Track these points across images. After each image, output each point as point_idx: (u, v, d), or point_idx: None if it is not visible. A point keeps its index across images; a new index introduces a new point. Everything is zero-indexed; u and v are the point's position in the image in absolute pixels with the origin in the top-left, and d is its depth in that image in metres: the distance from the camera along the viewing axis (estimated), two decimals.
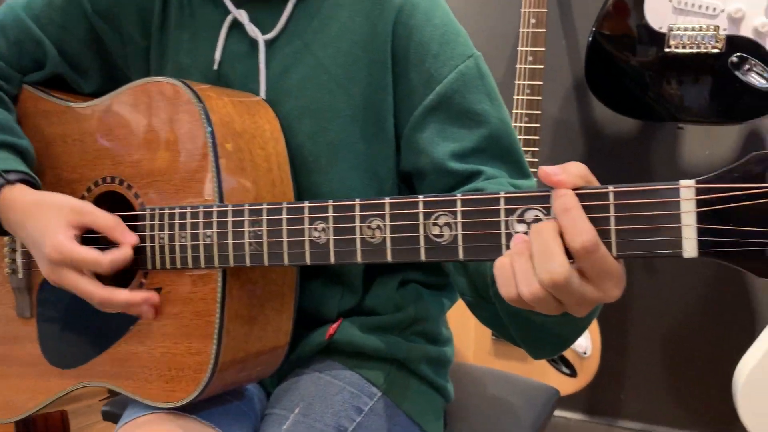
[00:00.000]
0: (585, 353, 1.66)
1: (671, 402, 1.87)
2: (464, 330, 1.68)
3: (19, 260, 0.91)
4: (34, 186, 0.82)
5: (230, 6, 0.87)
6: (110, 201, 0.86)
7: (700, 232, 0.48)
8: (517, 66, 1.65)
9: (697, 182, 0.48)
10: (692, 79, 1.58)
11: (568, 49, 1.89)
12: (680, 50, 1.56)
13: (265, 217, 0.69)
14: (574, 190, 0.52)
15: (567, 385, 1.68)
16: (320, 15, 0.85)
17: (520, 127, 1.65)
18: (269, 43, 0.86)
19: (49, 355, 0.89)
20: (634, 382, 1.90)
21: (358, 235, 0.63)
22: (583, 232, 0.49)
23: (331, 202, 0.65)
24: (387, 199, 0.61)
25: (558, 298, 0.52)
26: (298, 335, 0.90)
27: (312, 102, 0.84)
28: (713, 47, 1.54)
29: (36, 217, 0.77)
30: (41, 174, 0.89)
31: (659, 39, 1.59)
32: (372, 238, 0.62)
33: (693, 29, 1.56)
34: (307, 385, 0.86)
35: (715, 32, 1.54)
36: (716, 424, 1.83)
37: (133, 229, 0.79)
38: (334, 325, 0.89)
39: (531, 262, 0.52)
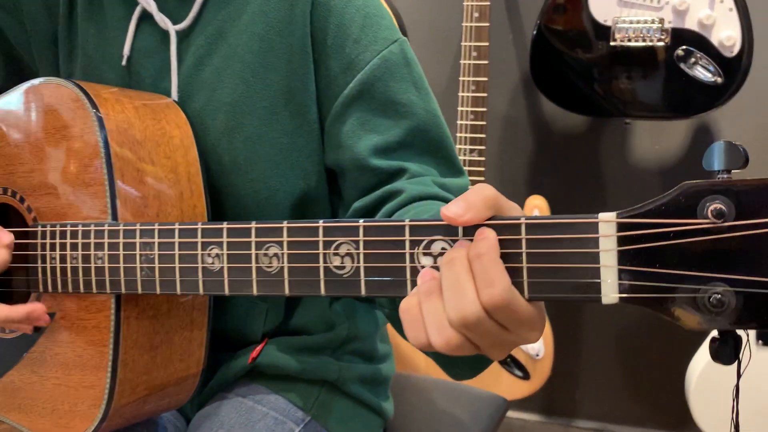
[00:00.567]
0: (537, 355, 1.61)
1: (626, 400, 1.85)
2: None
3: None
4: None
5: None
6: (2, 214, 0.78)
7: (622, 275, 0.41)
8: (462, 62, 1.59)
9: (619, 216, 0.41)
10: (639, 73, 1.54)
11: (515, 43, 1.85)
12: (626, 44, 1.53)
13: (156, 239, 0.62)
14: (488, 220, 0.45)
15: (521, 388, 1.63)
16: (234, 0, 0.77)
17: (466, 125, 1.59)
18: (182, 35, 0.78)
19: None
20: (588, 381, 1.88)
21: (253, 264, 0.56)
22: (492, 283, 0.43)
23: (225, 224, 0.58)
24: (285, 223, 0.54)
25: (473, 341, 0.45)
26: (220, 358, 0.83)
27: (226, 95, 0.76)
28: (659, 40, 1.51)
29: None
30: None
31: (605, 32, 1.55)
32: (269, 267, 0.55)
33: (638, 22, 1.53)
34: (228, 411, 0.79)
35: (660, 25, 1.50)
36: (670, 421, 1.81)
37: (25, 247, 0.71)
38: (258, 348, 0.82)
39: (441, 302, 0.45)
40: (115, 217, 0.66)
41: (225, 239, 0.57)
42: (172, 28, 0.77)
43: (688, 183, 0.40)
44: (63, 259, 0.68)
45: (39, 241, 0.71)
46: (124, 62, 0.79)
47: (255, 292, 0.56)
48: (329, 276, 0.52)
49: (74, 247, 0.68)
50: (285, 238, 0.54)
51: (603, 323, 1.89)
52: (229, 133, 0.76)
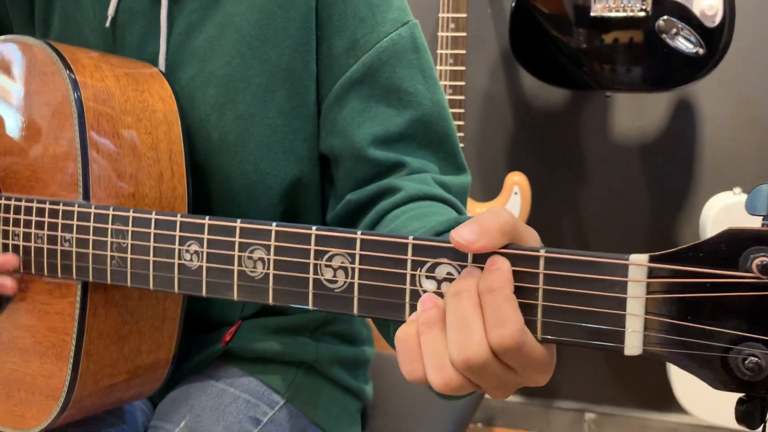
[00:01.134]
0: None
1: (607, 381, 1.85)
2: None
3: None
4: None
5: None
6: None
7: (648, 325, 0.37)
8: (439, 34, 1.54)
9: (651, 260, 0.37)
10: (619, 44, 1.51)
11: (494, 16, 1.80)
12: (606, 14, 1.49)
13: (130, 227, 0.56)
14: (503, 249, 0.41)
15: None
16: None
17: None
18: None
19: None
20: (569, 362, 1.87)
21: (236, 266, 0.51)
22: (503, 323, 0.38)
23: (207, 219, 0.52)
24: (273, 226, 0.49)
25: (475, 383, 0.40)
26: (192, 341, 0.78)
27: (219, 68, 0.70)
28: (640, 10, 1.47)
29: None
30: None
31: (585, 2, 1.50)
32: (252, 271, 0.50)
33: None
34: (198, 394, 0.75)
35: None
36: (652, 401, 1.82)
37: None
38: (232, 330, 0.77)
39: (443, 337, 0.40)
40: (86, 196, 0.61)
41: (206, 236, 0.52)
42: None
43: (732, 230, 0.36)
44: (27, 237, 0.63)
45: (1, 214, 0.65)
46: (107, 23, 0.72)
47: (235, 297, 0.51)
48: (319, 289, 0.47)
49: (40, 225, 0.62)
50: (272, 242, 0.49)
51: None
52: (220, 108, 0.70)
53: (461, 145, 1.55)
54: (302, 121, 0.72)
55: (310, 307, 0.47)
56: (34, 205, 0.62)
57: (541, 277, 0.39)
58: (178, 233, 0.54)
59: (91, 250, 0.59)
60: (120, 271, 0.57)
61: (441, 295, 0.43)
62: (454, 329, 0.39)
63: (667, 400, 1.73)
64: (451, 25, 1.52)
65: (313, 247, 0.47)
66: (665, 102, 1.72)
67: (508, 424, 1.91)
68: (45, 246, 0.62)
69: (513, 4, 1.56)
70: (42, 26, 0.77)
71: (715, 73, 1.46)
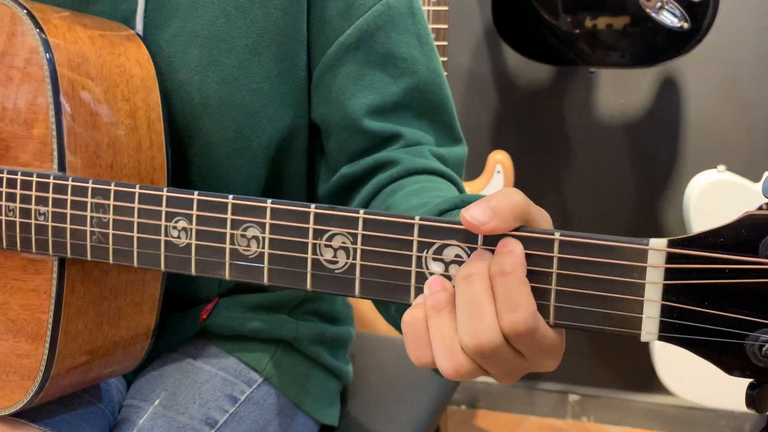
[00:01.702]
0: None
1: (591, 362, 1.88)
2: None
3: None
4: None
5: None
6: None
7: (665, 311, 0.36)
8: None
9: (670, 245, 0.36)
10: (603, 18, 1.49)
11: None
12: None
13: (112, 201, 0.53)
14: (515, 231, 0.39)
15: None
16: None
17: None
18: None
19: None
20: None
21: (228, 244, 0.48)
22: (516, 308, 0.37)
23: (196, 195, 0.50)
24: (269, 203, 0.47)
25: (484, 368, 0.39)
26: (167, 318, 0.76)
27: (202, 27, 0.66)
28: None
29: None
30: None
31: None
32: (246, 250, 0.48)
33: None
34: (173, 372, 0.73)
35: None
36: (635, 382, 1.85)
37: None
38: (208, 307, 0.75)
39: (452, 321, 0.39)
40: (62, 167, 0.57)
41: (195, 212, 0.50)
42: None
43: (751, 214, 0.35)
44: None
45: None
46: None
47: (227, 276, 0.49)
48: (318, 269, 0.45)
49: (11, 197, 0.58)
50: (268, 220, 0.47)
51: None
52: (203, 70, 0.66)
53: None
54: (289, 87, 0.69)
55: (308, 288, 0.46)
56: (5, 176, 0.58)
57: (555, 260, 0.38)
58: (164, 209, 0.51)
59: (68, 225, 0.55)
60: (101, 247, 0.54)
61: (449, 277, 0.41)
62: (464, 313, 0.38)
63: (650, 381, 1.76)
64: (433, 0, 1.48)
65: (312, 225, 0.45)
66: (649, 79, 1.72)
67: (491, 406, 1.93)
68: (17, 219, 0.58)
69: None
70: None
71: (700, 49, 1.46)
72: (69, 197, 0.55)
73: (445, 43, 1.50)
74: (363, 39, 0.66)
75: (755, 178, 1.49)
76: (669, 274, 0.36)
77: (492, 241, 0.40)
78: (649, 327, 0.37)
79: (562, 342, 0.40)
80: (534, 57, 1.58)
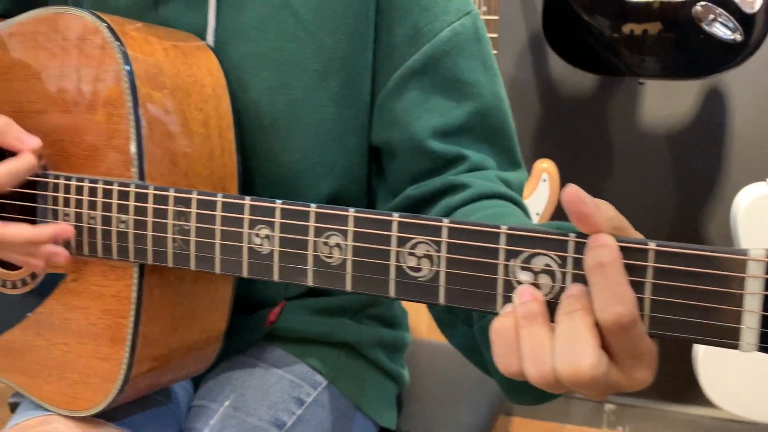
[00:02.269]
0: None
1: None
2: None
3: None
4: None
5: None
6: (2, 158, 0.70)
7: (766, 322, 0.36)
8: None
9: None
10: (655, 30, 1.48)
11: (522, 1, 1.76)
12: (642, 0, 1.46)
13: (194, 209, 0.55)
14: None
15: None
16: None
17: None
18: None
19: None
20: None
21: (310, 251, 0.49)
22: (620, 300, 0.37)
23: (279, 204, 0.51)
24: (352, 211, 0.48)
25: (571, 387, 0.40)
26: (235, 321, 0.78)
27: (273, 50, 0.68)
28: None
29: None
30: None
31: None
32: (329, 257, 0.49)
33: None
34: (241, 374, 0.75)
35: None
36: (675, 393, 1.82)
37: (33, 198, 0.64)
38: (276, 310, 0.77)
39: (546, 333, 0.39)
40: (142, 176, 0.59)
41: (278, 220, 0.51)
42: None
43: None
44: (78, 217, 0.61)
45: (50, 193, 0.63)
46: None
47: (310, 282, 0.50)
48: (402, 277, 0.46)
49: (92, 205, 0.60)
50: (351, 228, 0.47)
51: None
52: (273, 92, 0.68)
53: None
54: (354, 111, 0.70)
55: (392, 295, 0.46)
56: (86, 184, 0.60)
57: (650, 270, 0.38)
58: (246, 216, 0.52)
59: (150, 232, 0.57)
60: (182, 254, 0.56)
61: (537, 286, 0.42)
62: (565, 343, 0.38)
63: (687, 392, 1.73)
64: (484, 8, 1.48)
65: (395, 233, 0.46)
66: (695, 90, 1.69)
67: (526, 414, 1.91)
68: (99, 227, 0.60)
69: None
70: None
71: (746, 62, 1.43)
72: (150, 205, 0.57)
73: (495, 52, 1.50)
74: (430, 64, 0.67)
75: None
76: None
77: (582, 250, 0.40)
78: (749, 338, 0.36)
79: (656, 352, 0.40)
80: (582, 66, 1.57)
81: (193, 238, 0.55)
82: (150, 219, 0.57)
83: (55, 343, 0.65)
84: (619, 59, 1.52)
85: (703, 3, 1.42)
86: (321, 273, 0.49)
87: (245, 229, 0.52)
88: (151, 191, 0.57)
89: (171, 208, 0.56)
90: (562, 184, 1.64)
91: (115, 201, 0.59)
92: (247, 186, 0.70)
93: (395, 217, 0.46)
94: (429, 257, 0.45)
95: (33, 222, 0.63)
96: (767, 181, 1.47)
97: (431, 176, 0.68)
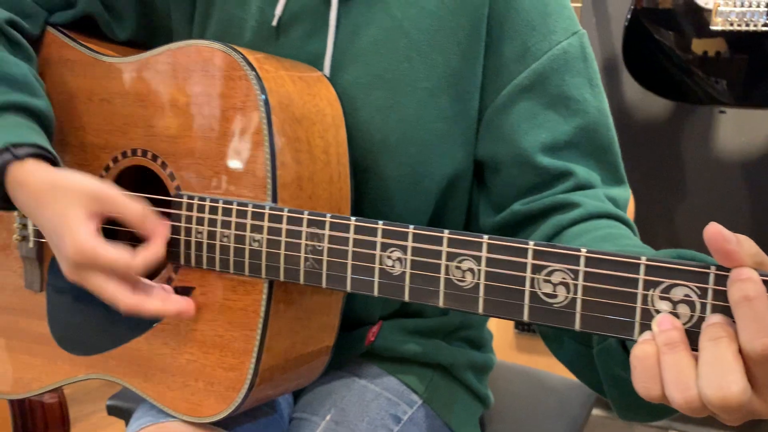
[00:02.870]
0: None
1: None
2: None
3: (31, 227, 0.81)
4: (51, 160, 0.70)
5: None
6: (138, 176, 0.75)
7: None
8: None
9: None
10: (739, 59, 1.48)
11: (598, 26, 1.78)
12: (727, 28, 1.46)
13: (327, 231, 0.58)
14: None
15: None
16: None
17: None
18: (341, 0, 0.73)
19: (58, 337, 0.80)
20: None
21: (442, 274, 0.52)
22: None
23: (411, 229, 0.54)
24: (485, 238, 0.50)
25: (717, 412, 0.42)
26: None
27: (385, 71, 0.71)
28: (763, 25, 1.44)
29: (51, 205, 0.65)
30: (60, 132, 0.77)
31: (704, 16, 1.48)
32: (461, 281, 0.52)
33: (741, 5, 1.45)
34: (341, 389, 0.78)
35: (765, 9, 1.44)
36: (743, 425, 1.77)
37: (167, 217, 0.69)
38: (374, 329, 0.80)
39: (689, 360, 0.41)
40: (274, 199, 0.63)
41: (410, 243, 0.54)
42: None
43: None
44: (211, 235, 0.66)
45: (184, 212, 0.68)
46: (274, 22, 0.74)
47: (441, 304, 0.52)
48: (536, 302, 0.48)
49: (226, 224, 0.65)
50: (484, 254, 0.50)
51: None
52: (384, 111, 0.72)
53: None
54: (462, 127, 0.73)
55: (525, 319, 0.49)
56: (220, 205, 0.65)
57: None
58: (379, 239, 0.55)
59: (282, 251, 0.61)
60: (314, 273, 0.59)
61: (676, 315, 0.44)
62: (711, 370, 0.40)
63: (757, 423, 1.70)
64: None
65: (530, 261, 0.48)
66: None
67: None
68: (231, 245, 0.64)
69: (629, 16, 1.54)
70: (200, 25, 0.80)
71: None
72: (284, 226, 0.61)
73: None
74: (538, 81, 0.70)
75: None
76: None
77: (723, 281, 0.42)
78: None
79: None
80: (662, 93, 1.58)
81: (325, 258, 0.58)
82: (283, 239, 0.61)
83: (180, 352, 0.70)
84: (699, 88, 1.52)
85: None
86: (452, 295, 0.52)
87: (377, 251, 0.56)
88: (285, 213, 0.61)
89: (304, 229, 0.60)
90: (636, 207, 1.64)
91: (249, 221, 0.63)
92: (355, 202, 0.74)
93: (530, 245, 0.48)
94: (565, 284, 0.47)
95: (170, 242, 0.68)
96: None
97: (537, 191, 0.70)
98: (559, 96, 0.70)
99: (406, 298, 0.54)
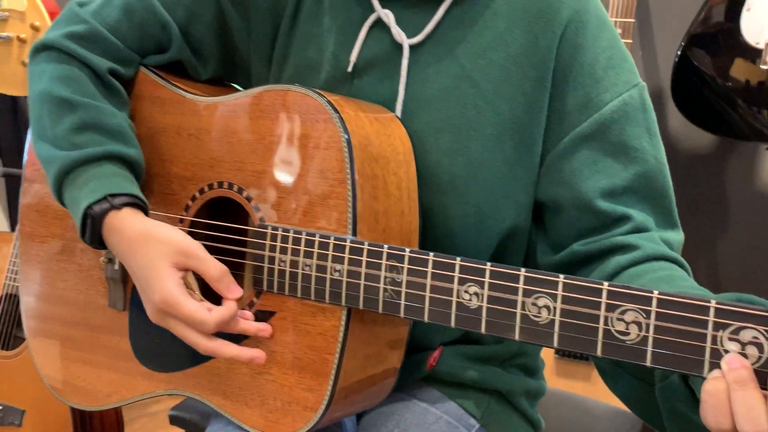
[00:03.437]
0: None
1: None
2: None
3: None
4: (142, 207, 0.77)
5: (376, 4, 0.79)
6: (221, 208, 0.81)
7: None
8: None
9: None
10: None
11: (644, 60, 1.81)
12: None
13: (406, 265, 0.63)
14: None
15: None
16: (472, 23, 0.77)
17: None
18: (412, 48, 0.78)
19: (139, 354, 0.85)
20: None
21: (518, 310, 0.57)
22: None
23: (488, 266, 0.58)
24: (561, 278, 0.55)
25: None
26: None
27: (454, 116, 0.76)
28: None
29: (141, 252, 0.72)
30: (148, 163, 0.83)
31: (756, 55, 1.50)
32: (536, 316, 0.56)
33: None
34: (402, 410, 0.82)
35: None
36: None
37: (251, 245, 0.74)
38: (435, 354, 0.84)
39: (760, 397, 0.45)
40: (354, 232, 0.68)
41: (487, 279, 0.58)
42: (406, 42, 0.77)
43: None
44: (294, 264, 0.71)
45: (268, 242, 0.73)
46: (350, 68, 0.80)
47: (517, 337, 0.57)
48: (609, 339, 0.52)
49: (308, 254, 0.70)
50: (560, 292, 0.55)
51: None
52: (452, 154, 0.76)
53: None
54: (525, 170, 0.77)
55: (599, 354, 0.53)
56: (303, 236, 0.70)
57: None
58: (457, 274, 0.60)
59: (362, 282, 0.66)
60: (393, 303, 0.64)
61: (744, 355, 0.47)
62: None
63: None
64: None
65: (604, 300, 0.52)
66: None
67: None
68: (313, 273, 0.69)
69: (679, 52, 1.57)
70: (277, 68, 0.86)
71: None
72: (364, 258, 0.66)
73: None
74: (599, 130, 0.74)
75: None
76: None
77: None
78: None
79: None
80: (709, 129, 1.60)
81: (404, 289, 0.63)
82: (363, 270, 0.66)
83: (259, 372, 0.75)
84: (747, 125, 1.54)
85: None
86: (528, 330, 0.56)
87: (455, 285, 0.60)
88: (366, 246, 0.66)
89: (384, 261, 0.64)
90: None
91: (330, 252, 0.68)
92: (421, 238, 0.78)
93: (605, 285, 0.53)
94: (638, 323, 0.51)
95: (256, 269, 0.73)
96: None
97: (596, 233, 0.74)
98: (619, 144, 0.74)
99: (483, 330, 0.58)
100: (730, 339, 0.48)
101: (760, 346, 0.47)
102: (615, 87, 0.74)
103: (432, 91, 0.78)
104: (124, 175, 0.78)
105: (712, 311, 0.48)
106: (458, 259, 0.60)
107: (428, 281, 0.62)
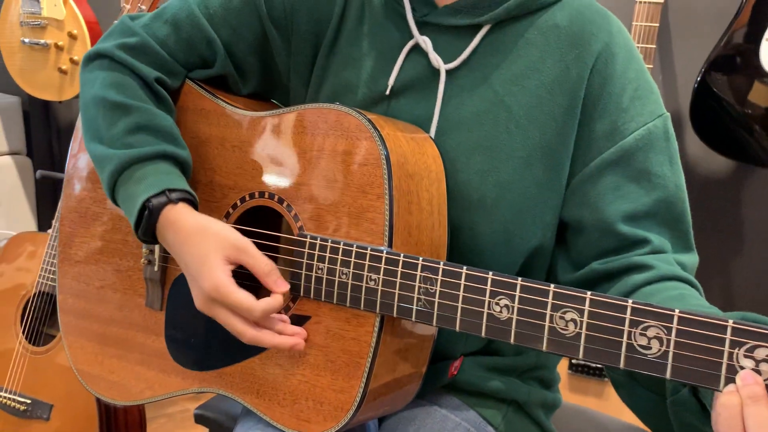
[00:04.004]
0: None
1: None
2: None
3: (158, 253, 0.91)
4: (193, 204, 0.82)
5: (414, 31, 0.84)
6: (261, 216, 0.85)
7: None
8: None
9: None
10: None
11: (664, 84, 1.85)
12: None
13: (440, 277, 0.67)
14: None
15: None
16: (507, 51, 0.81)
17: None
18: (448, 73, 0.83)
19: (174, 352, 0.90)
20: None
21: (547, 323, 0.61)
22: None
23: (519, 281, 0.63)
24: (588, 294, 0.59)
25: None
26: None
27: (486, 138, 0.81)
28: None
29: (196, 245, 0.77)
30: (193, 171, 0.88)
31: None
32: (564, 329, 0.60)
33: None
34: (424, 416, 0.86)
35: None
36: None
37: (291, 253, 0.78)
38: (456, 364, 0.88)
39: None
40: (390, 244, 0.72)
41: (517, 293, 0.63)
42: (443, 67, 0.82)
43: None
44: (331, 272, 0.75)
45: (306, 250, 0.77)
46: (388, 91, 0.84)
47: (544, 348, 0.61)
48: (632, 352, 0.56)
49: (345, 264, 0.74)
50: (587, 308, 0.59)
51: None
52: (483, 174, 0.81)
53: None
54: (552, 192, 0.81)
55: (621, 366, 0.57)
56: (341, 246, 0.75)
57: None
58: (488, 288, 0.64)
59: (397, 291, 0.70)
60: (426, 312, 0.68)
61: (758, 372, 0.51)
62: None
63: None
64: None
65: (628, 316, 0.57)
66: None
67: None
68: (349, 282, 0.74)
69: (699, 78, 1.61)
70: (315, 87, 0.90)
71: None
72: (399, 269, 0.70)
73: None
74: (624, 157, 0.78)
75: None
76: None
77: None
78: None
79: None
80: (724, 152, 1.63)
81: (437, 300, 0.67)
82: (398, 280, 0.70)
83: (292, 373, 0.79)
84: (762, 149, 1.57)
85: None
86: (555, 341, 0.60)
87: (486, 298, 0.64)
88: (401, 258, 0.70)
89: (419, 273, 0.69)
90: None
91: (367, 263, 0.72)
92: (449, 253, 0.83)
93: (629, 302, 0.57)
94: (659, 339, 0.55)
95: (294, 275, 0.78)
96: None
97: (616, 254, 0.78)
98: (642, 171, 0.78)
99: (512, 341, 0.63)
100: (746, 356, 0.52)
101: None
102: (640, 117, 0.78)
103: (466, 113, 0.82)
104: (177, 174, 0.83)
105: (729, 330, 0.52)
106: (490, 273, 0.64)
107: (461, 293, 0.66)
